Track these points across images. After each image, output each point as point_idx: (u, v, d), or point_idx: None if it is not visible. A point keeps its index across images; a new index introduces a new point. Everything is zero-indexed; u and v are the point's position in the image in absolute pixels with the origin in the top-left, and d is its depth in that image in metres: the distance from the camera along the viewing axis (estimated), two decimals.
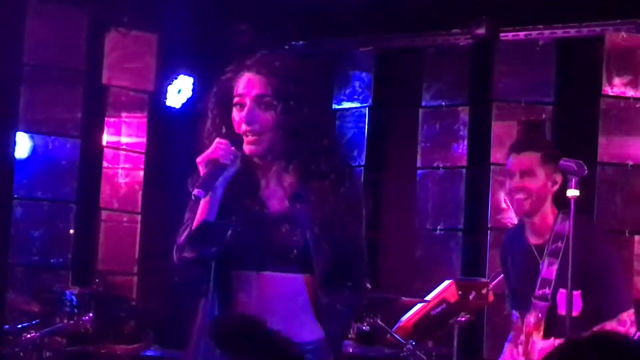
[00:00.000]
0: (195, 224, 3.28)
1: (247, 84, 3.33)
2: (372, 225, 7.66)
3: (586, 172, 4.19)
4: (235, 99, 3.34)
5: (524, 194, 4.45)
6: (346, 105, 7.78)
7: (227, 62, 7.94)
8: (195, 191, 3.16)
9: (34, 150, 7.25)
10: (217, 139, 3.28)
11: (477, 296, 5.67)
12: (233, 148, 3.25)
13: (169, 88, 7.68)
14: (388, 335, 5.74)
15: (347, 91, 7.78)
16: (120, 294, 7.01)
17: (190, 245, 3.29)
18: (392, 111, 7.77)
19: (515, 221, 6.79)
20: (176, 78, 7.67)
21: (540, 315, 4.36)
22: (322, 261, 3.27)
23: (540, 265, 4.43)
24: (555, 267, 4.38)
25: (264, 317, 3.03)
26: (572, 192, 4.11)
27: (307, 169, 3.33)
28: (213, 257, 3.32)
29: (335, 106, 7.80)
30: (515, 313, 4.73)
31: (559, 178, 4.43)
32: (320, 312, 3.31)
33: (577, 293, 4.25)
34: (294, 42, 7.85)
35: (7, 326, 6.13)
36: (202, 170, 3.25)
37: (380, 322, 5.62)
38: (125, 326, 6.26)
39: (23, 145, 7.23)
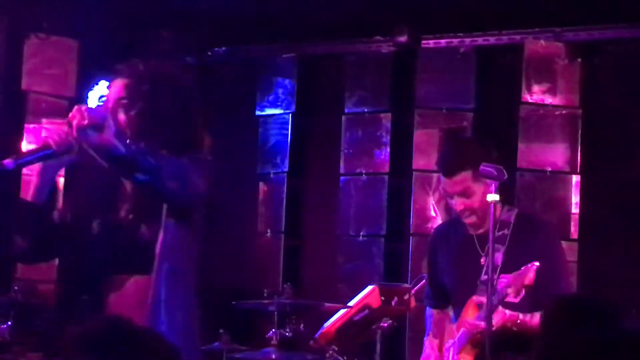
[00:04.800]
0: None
1: (112, 88, 3.56)
2: (294, 231, 7.67)
3: (506, 177, 4.22)
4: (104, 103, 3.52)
5: (467, 212, 4.47)
6: (269, 111, 7.78)
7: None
8: (5, 160, 3.14)
9: None
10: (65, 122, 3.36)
11: (399, 302, 5.70)
12: (71, 138, 3.29)
13: (89, 94, 7.59)
14: (311, 342, 5.75)
15: (270, 98, 7.78)
16: (41, 302, 6.90)
17: (17, 230, 3.34)
18: (315, 118, 7.78)
19: None
20: (97, 84, 7.58)
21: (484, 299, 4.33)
22: None
23: (486, 252, 4.41)
24: (501, 253, 4.40)
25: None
26: (492, 197, 4.14)
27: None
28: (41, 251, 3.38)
29: (258, 112, 7.80)
30: (431, 310, 4.78)
31: None
32: None
33: None
34: (216, 49, 7.83)
35: None
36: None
37: (303, 328, 5.62)
38: (45, 335, 6.16)
39: None
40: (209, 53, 7.82)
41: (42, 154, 3.23)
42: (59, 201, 3.47)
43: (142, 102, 3.45)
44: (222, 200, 7.64)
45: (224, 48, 7.82)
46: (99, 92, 8.10)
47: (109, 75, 7.87)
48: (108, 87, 3.58)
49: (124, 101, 3.48)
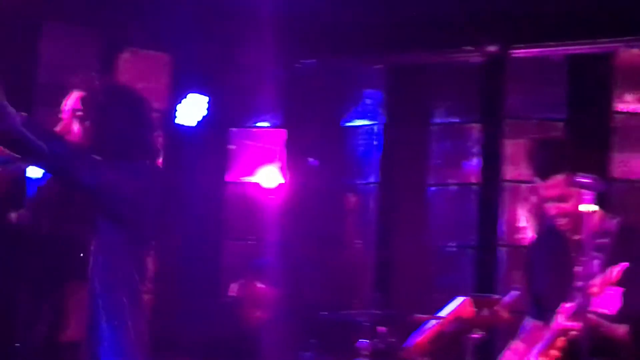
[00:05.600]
0: None
1: (69, 100, 3.67)
2: (384, 242, 7.66)
3: (603, 187, 4.16)
4: (60, 115, 3.65)
5: (562, 217, 4.42)
6: (357, 122, 7.80)
7: (238, 80, 7.87)
8: None
9: None
10: None
11: (491, 313, 5.65)
12: None
13: (179, 106, 7.70)
14: (402, 352, 5.74)
15: (358, 109, 7.80)
16: None
17: None
18: (403, 128, 7.77)
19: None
20: (186, 97, 7.68)
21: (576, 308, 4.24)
22: None
23: (581, 259, 4.32)
24: (599, 262, 4.33)
25: None
26: (587, 207, 4.09)
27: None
28: None
29: (346, 123, 7.82)
30: (530, 320, 4.73)
31: None
32: None
33: (618, 290, 4.17)
34: (305, 61, 7.87)
35: None
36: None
37: (393, 339, 5.62)
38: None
39: None
40: (298, 65, 7.86)
41: (3, 158, 3.37)
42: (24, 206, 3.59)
43: (96, 112, 3.58)
44: (310, 211, 7.70)
45: (313, 60, 7.86)
46: (190, 104, 8.21)
47: (200, 89, 8.00)
48: (66, 100, 3.71)
49: (79, 113, 3.61)
